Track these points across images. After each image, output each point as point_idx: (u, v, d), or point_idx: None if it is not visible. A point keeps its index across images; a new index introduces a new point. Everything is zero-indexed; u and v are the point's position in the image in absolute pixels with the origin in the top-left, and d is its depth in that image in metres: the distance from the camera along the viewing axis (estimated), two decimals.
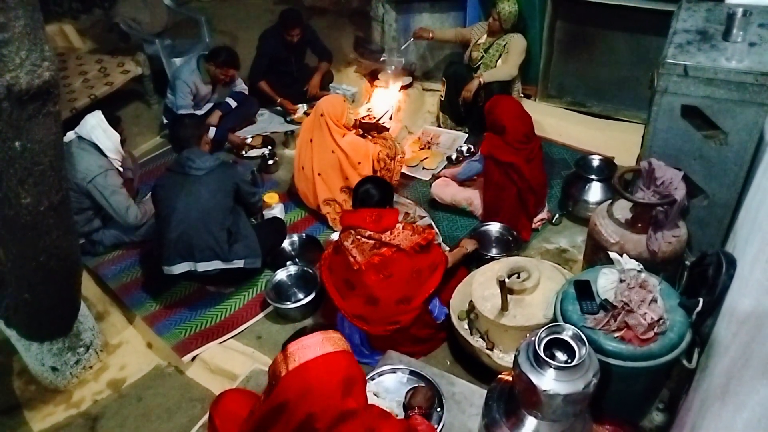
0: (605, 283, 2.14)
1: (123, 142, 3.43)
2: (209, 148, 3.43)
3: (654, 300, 2.05)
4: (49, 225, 2.32)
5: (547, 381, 1.76)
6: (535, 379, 1.77)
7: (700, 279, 2.13)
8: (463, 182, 3.58)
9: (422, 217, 3.58)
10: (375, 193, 2.75)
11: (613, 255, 2.24)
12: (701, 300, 2.02)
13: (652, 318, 2.01)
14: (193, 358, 2.92)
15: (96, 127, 3.29)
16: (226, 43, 5.70)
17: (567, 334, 1.84)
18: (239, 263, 3.05)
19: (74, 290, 2.71)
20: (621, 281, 2.12)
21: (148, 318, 3.13)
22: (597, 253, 2.62)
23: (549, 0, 4.09)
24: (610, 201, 2.69)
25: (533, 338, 1.83)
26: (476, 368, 2.65)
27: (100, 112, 3.36)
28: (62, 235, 2.41)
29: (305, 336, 1.56)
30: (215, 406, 1.85)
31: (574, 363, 1.77)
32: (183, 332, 3.02)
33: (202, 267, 2.98)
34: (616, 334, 2.03)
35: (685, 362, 2.05)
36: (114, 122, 3.36)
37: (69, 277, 2.62)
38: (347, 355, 1.55)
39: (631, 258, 2.22)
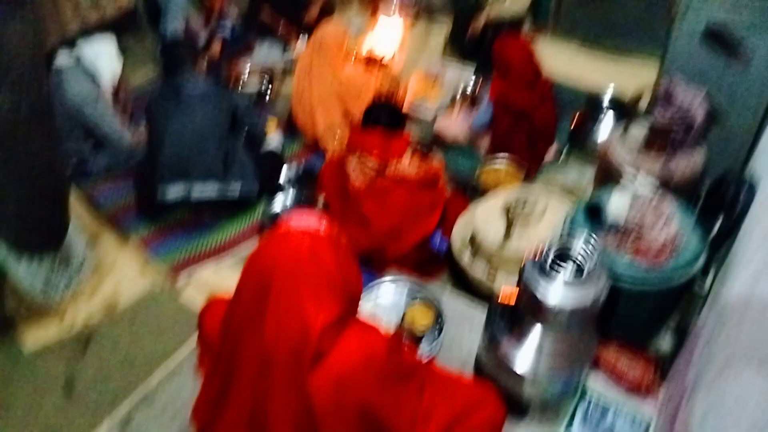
0: (618, 203, 2.05)
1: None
2: (205, 71, 3.29)
3: (669, 221, 1.96)
4: (31, 132, 2.21)
5: (554, 294, 1.68)
6: (541, 290, 1.68)
7: (718, 202, 2.04)
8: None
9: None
10: (388, 115, 2.63)
11: (627, 175, 2.14)
12: (719, 221, 1.93)
13: (665, 238, 1.92)
14: (187, 282, 2.85)
15: (104, 54, 3.25)
16: None
17: (576, 244, 1.75)
18: (236, 186, 2.94)
19: (62, 204, 2.62)
20: (634, 202, 2.02)
21: (142, 241, 3.05)
22: (607, 184, 2.51)
23: None
24: (623, 128, 2.57)
25: (541, 249, 1.74)
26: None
27: (114, 37, 3.31)
28: (45, 145, 2.31)
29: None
30: (202, 315, 1.77)
31: (584, 274, 1.68)
32: (178, 255, 2.95)
33: (198, 189, 2.87)
34: (627, 254, 1.94)
35: (697, 286, 1.97)
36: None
37: (55, 191, 2.53)
38: (329, 242, 1.39)
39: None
